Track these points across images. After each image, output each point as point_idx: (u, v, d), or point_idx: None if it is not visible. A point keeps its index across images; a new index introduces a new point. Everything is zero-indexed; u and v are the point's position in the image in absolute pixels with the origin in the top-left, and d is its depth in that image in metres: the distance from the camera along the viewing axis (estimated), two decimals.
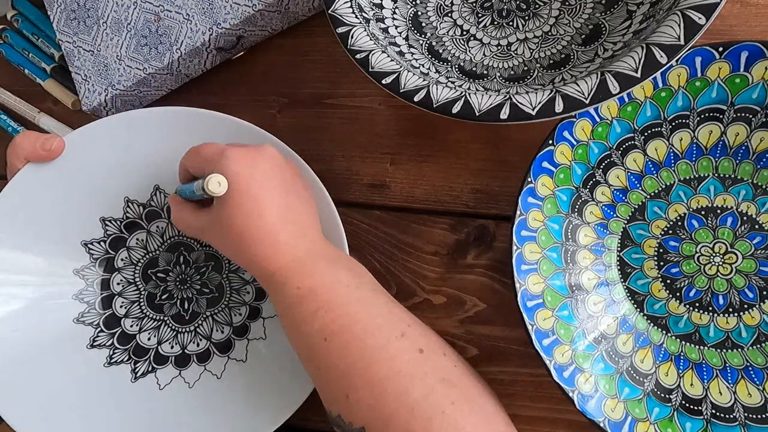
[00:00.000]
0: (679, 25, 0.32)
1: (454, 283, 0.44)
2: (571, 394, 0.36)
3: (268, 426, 0.41)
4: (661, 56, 0.32)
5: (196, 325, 0.46)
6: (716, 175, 0.39)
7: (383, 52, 0.40)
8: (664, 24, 0.33)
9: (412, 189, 0.46)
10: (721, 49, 0.36)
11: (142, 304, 0.47)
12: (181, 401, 0.44)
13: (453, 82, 0.41)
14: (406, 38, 0.44)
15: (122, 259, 0.47)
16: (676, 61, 0.35)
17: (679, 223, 0.40)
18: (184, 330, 0.46)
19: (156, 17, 0.49)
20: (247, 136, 0.43)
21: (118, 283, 0.47)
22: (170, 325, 0.46)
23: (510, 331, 0.43)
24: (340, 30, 0.40)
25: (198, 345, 0.46)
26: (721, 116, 0.38)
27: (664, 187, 0.40)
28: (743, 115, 0.37)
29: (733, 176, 0.39)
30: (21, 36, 0.58)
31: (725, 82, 0.37)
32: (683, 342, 0.39)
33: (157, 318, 0.47)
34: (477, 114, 0.35)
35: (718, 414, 0.36)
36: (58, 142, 0.44)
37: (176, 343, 0.46)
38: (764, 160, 0.38)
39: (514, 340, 0.42)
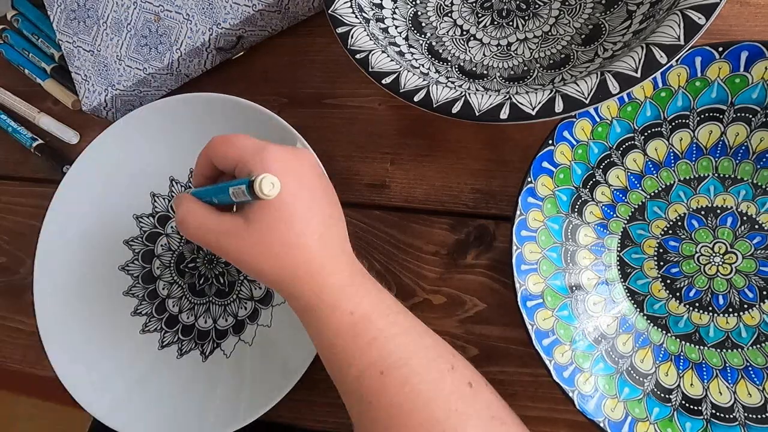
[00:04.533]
0: (679, 25, 0.32)
1: (454, 283, 0.44)
2: (571, 394, 0.36)
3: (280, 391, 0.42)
4: (661, 56, 0.33)
5: (237, 293, 0.48)
6: (716, 175, 0.39)
7: (383, 52, 0.40)
8: (664, 24, 0.33)
9: (412, 189, 0.46)
10: (721, 49, 0.36)
11: (187, 295, 0.50)
12: (197, 372, 0.47)
13: (453, 82, 0.41)
14: (406, 38, 0.44)
15: (158, 267, 0.51)
16: (676, 61, 0.35)
17: (679, 223, 0.40)
18: (229, 301, 0.48)
19: (156, 17, 0.49)
20: (253, 117, 0.44)
21: (163, 288, 0.50)
22: (216, 302, 0.49)
23: (510, 331, 0.43)
24: (340, 30, 0.40)
25: (246, 308, 0.48)
26: (721, 116, 0.38)
27: (664, 187, 0.40)
28: (743, 115, 0.37)
29: (733, 176, 0.39)
30: (21, 36, 0.58)
31: (725, 82, 0.37)
32: (683, 342, 0.39)
33: (203, 301, 0.49)
34: (477, 114, 0.35)
35: (718, 414, 0.36)
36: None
37: (229, 315, 0.48)
38: (764, 160, 0.38)
39: (514, 340, 0.42)
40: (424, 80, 0.38)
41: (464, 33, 0.44)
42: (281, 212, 0.31)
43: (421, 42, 0.44)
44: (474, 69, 0.43)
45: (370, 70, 0.39)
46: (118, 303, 0.49)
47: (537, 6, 0.43)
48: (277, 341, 0.45)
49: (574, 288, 0.39)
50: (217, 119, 0.46)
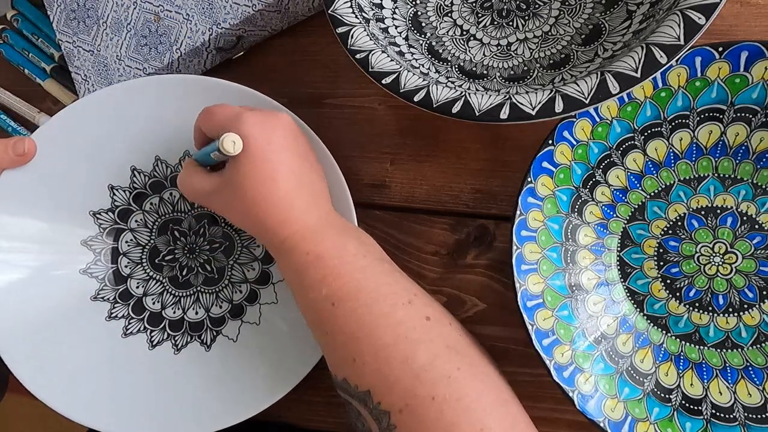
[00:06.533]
0: (679, 25, 0.32)
1: (454, 283, 0.44)
2: (571, 394, 0.36)
3: (287, 384, 0.42)
4: (661, 56, 0.33)
5: (228, 278, 0.47)
6: (716, 175, 0.39)
7: (383, 52, 0.40)
8: (664, 24, 0.33)
9: (412, 189, 0.46)
10: (721, 49, 0.36)
11: (169, 289, 0.48)
12: (199, 365, 0.45)
13: (453, 82, 0.41)
14: (406, 38, 0.44)
15: (126, 266, 0.48)
16: (676, 61, 0.35)
17: (679, 223, 0.40)
18: (220, 287, 0.47)
19: (156, 17, 0.49)
20: (255, 104, 0.43)
21: (137, 287, 0.48)
22: (205, 290, 0.47)
23: (510, 331, 0.43)
24: (340, 30, 0.40)
25: (241, 291, 0.47)
26: (721, 116, 0.38)
27: (664, 187, 0.40)
28: (743, 115, 0.37)
29: (733, 176, 0.39)
30: (21, 36, 0.58)
31: (725, 82, 0.37)
32: (683, 342, 0.39)
33: (190, 292, 0.48)
34: (477, 114, 0.35)
35: (718, 414, 0.36)
36: (29, 142, 0.44)
37: (223, 301, 0.47)
38: (764, 160, 0.38)
39: (514, 340, 0.42)
40: (424, 80, 0.38)
41: (464, 33, 0.44)
42: (250, 171, 0.36)
43: (421, 42, 0.44)
44: (474, 69, 0.43)
45: (370, 70, 0.39)
46: (102, 331, 0.46)
47: (537, 6, 0.43)
48: (287, 317, 0.44)
49: (574, 288, 0.39)
50: (193, 101, 0.44)
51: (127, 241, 0.48)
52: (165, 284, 0.48)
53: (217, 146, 0.35)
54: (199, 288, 0.47)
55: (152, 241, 0.48)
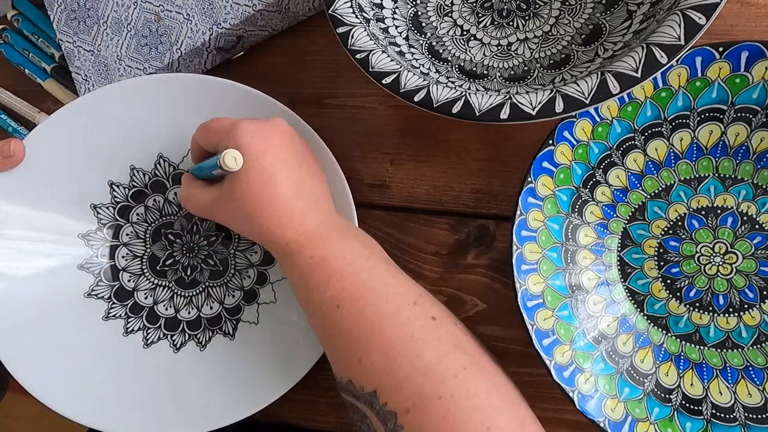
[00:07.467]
0: (680, 25, 0.32)
1: (454, 283, 0.44)
2: (571, 394, 0.36)
3: (283, 385, 0.42)
4: (662, 56, 0.33)
5: (234, 266, 0.47)
6: (716, 175, 0.39)
7: (383, 52, 0.40)
8: (664, 24, 0.33)
9: (412, 189, 0.46)
10: (721, 49, 0.36)
11: (178, 292, 0.48)
12: (195, 364, 0.45)
13: (453, 82, 0.41)
14: (406, 38, 0.44)
15: (129, 280, 0.48)
16: (677, 61, 0.35)
17: (680, 223, 0.40)
18: (228, 277, 0.47)
19: (156, 17, 0.49)
20: (256, 104, 0.43)
21: (145, 297, 0.48)
22: (213, 284, 0.47)
23: (510, 331, 0.43)
24: (340, 30, 0.40)
25: (250, 277, 0.47)
26: (721, 116, 0.38)
27: (664, 187, 0.40)
28: (743, 115, 0.37)
29: (733, 176, 0.39)
30: (21, 36, 0.58)
31: (725, 82, 0.37)
32: (683, 342, 0.39)
33: (200, 290, 0.47)
34: (477, 114, 0.35)
35: (718, 414, 0.36)
36: (15, 144, 0.44)
37: (234, 290, 0.47)
38: (764, 160, 0.38)
39: (514, 340, 0.42)
40: (424, 80, 0.38)
41: (464, 33, 0.44)
42: (250, 180, 0.36)
43: (421, 42, 0.44)
44: (474, 69, 0.43)
45: (370, 70, 0.39)
46: (100, 330, 0.46)
47: (537, 6, 0.43)
48: (286, 317, 0.44)
49: (574, 288, 0.39)
50: (187, 101, 0.44)
51: (123, 256, 0.48)
52: (173, 288, 0.48)
53: (218, 163, 0.35)
54: (207, 283, 0.47)
55: (149, 250, 0.48)
